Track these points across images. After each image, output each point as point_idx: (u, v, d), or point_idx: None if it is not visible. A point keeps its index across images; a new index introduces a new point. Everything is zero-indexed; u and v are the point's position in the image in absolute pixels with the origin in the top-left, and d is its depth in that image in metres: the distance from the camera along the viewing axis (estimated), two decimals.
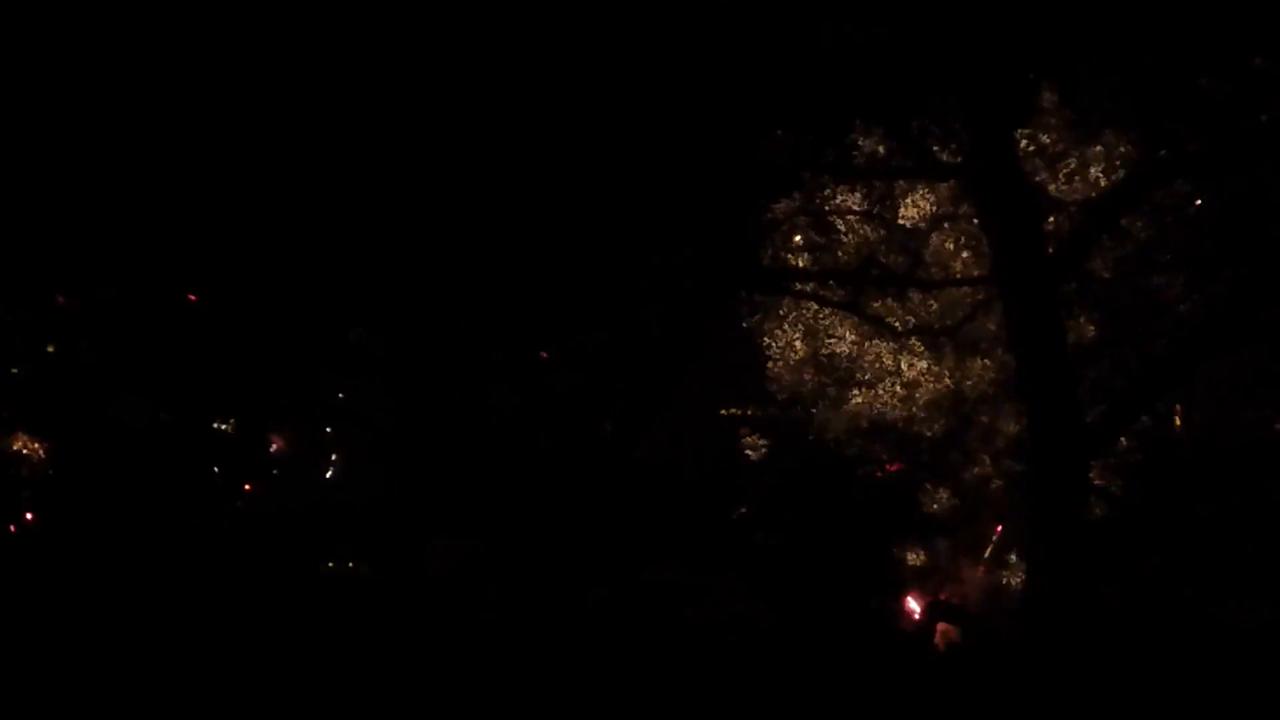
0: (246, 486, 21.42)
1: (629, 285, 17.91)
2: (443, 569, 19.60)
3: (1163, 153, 16.84)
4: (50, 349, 19.12)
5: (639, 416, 18.17)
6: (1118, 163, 17.85)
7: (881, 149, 17.77)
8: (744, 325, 20.13)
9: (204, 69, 17.33)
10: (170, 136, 17.69)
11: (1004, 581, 19.43)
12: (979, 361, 19.49)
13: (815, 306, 19.40)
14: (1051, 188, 17.80)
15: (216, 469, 20.93)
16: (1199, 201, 17.71)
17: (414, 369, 18.87)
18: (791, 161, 17.26)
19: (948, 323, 18.78)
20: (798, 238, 18.69)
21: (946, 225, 18.60)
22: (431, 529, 19.94)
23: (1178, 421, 19.29)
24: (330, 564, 20.86)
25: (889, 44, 16.22)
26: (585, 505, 18.60)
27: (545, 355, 18.99)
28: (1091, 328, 18.72)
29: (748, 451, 20.66)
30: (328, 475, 21.30)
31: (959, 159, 17.29)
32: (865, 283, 18.72)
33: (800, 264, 18.95)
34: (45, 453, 19.25)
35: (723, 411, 21.03)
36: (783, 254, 18.81)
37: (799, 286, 19.63)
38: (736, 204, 17.41)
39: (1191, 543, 17.95)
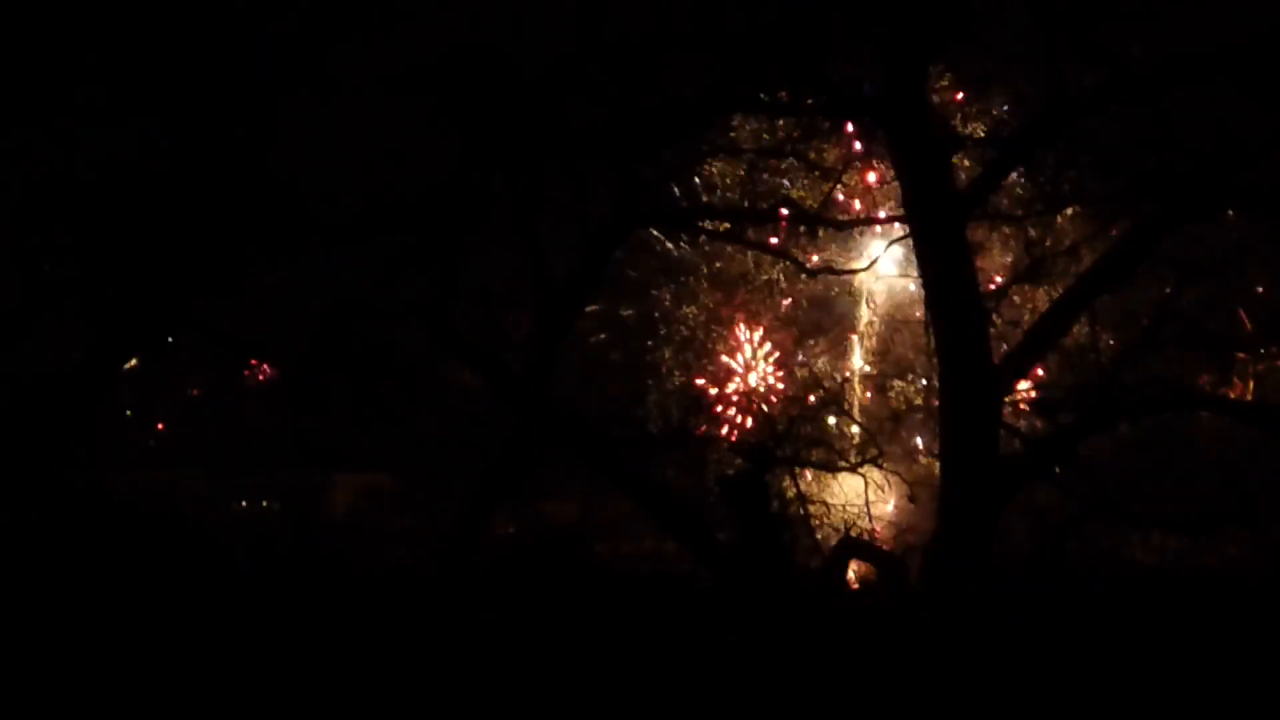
0: (159, 426, 20.93)
1: (532, 218, 17.32)
2: (348, 505, 19.24)
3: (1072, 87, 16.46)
4: None
5: (546, 352, 17.74)
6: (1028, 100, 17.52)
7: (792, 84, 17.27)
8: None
9: None
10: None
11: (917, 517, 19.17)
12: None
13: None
14: (961, 125, 17.47)
15: (129, 411, 20.45)
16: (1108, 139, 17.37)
17: (317, 304, 18.23)
18: (699, 96, 16.75)
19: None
20: (710, 175, 18.27)
21: (859, 164, 18.26)
22: (337, 466, 19.49)
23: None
24: (243, 503, 20.49)
25: None
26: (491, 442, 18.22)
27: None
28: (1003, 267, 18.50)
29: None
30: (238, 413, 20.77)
31: (871, 95, 16.88)
32: (778, 221, 18.34)
33: (712, 202, 18.53)
34: None
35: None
36: (695, 192, 18.38)
37: (710, 225, 19.24)
38: (645, 139, 16.88)
39: (1096, 478, 17.76)
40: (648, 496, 17.40)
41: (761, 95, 17.32)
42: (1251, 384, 19.96)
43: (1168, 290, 17.63)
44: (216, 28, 16.68)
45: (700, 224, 18.66)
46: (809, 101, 16.98)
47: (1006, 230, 18.15)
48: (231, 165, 17.11)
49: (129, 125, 17.22)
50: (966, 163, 17.23)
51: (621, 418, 20.08)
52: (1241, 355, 19.43)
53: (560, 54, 16.66)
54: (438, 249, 17.51)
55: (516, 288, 18.49)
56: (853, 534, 17.93)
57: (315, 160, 17.71)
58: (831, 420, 19.31)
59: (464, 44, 16.79)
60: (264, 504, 20.44)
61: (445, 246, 17.49)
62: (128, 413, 20.33)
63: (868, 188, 18.30)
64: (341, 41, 16.97)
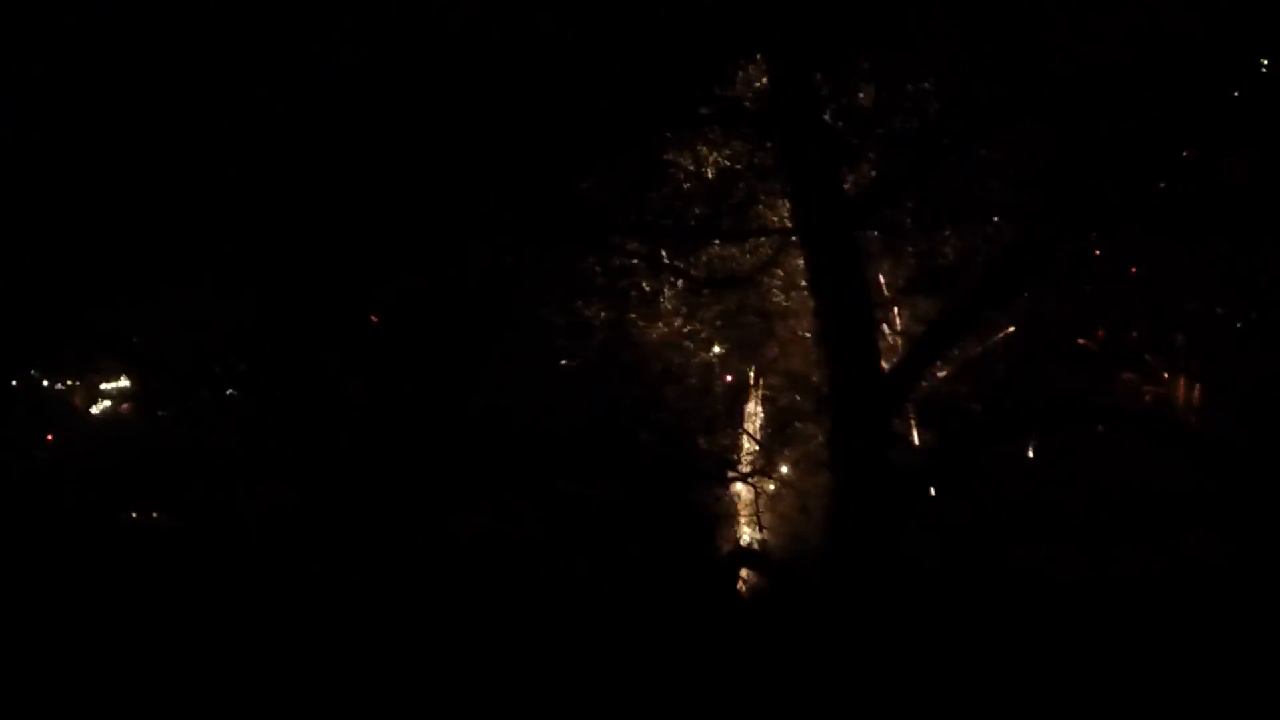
0: (49, 437, 20.50)
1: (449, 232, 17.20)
2: (253, 518, 18.92)
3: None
4: None
5: (460, 364, 17.70)
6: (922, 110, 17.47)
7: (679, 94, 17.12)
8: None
9: None
10: None
11: (808, 527, 19.11)
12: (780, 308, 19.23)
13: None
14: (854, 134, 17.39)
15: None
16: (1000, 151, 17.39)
17: (224, 312, 17.96)
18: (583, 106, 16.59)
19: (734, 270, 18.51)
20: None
21: (748, 178, 18.15)
22: (241, 477, 19.19)
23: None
24: (133, 515, 20.02)
25: None
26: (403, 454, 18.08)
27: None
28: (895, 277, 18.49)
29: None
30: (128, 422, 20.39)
31: (760, 104, 16.81)
32: (663, 233, 18.23)
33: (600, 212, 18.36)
34: None
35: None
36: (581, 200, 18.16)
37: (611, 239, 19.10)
38: (557, 155, 16.74)
39: (997, 492, 17.81)
40: (560, 510, 17.40)
41: (647, 105, 17.17)
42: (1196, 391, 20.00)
43: (1061, 301, 17.73)
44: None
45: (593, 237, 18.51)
46: (697, 111, 16.89)
47: (898, 240, 18.13)
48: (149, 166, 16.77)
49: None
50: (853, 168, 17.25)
51: (532, 430, 19.89)
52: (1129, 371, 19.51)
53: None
54: (355, 261, 17.36)
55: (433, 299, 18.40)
56: (744, 544, 17.97)
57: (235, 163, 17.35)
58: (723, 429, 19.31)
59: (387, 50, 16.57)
60: (154, 515, 20.05)
61: (362, 259, 17.34)
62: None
63: (759, 196, 18.24)
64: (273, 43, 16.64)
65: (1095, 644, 16.24)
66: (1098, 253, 17.78)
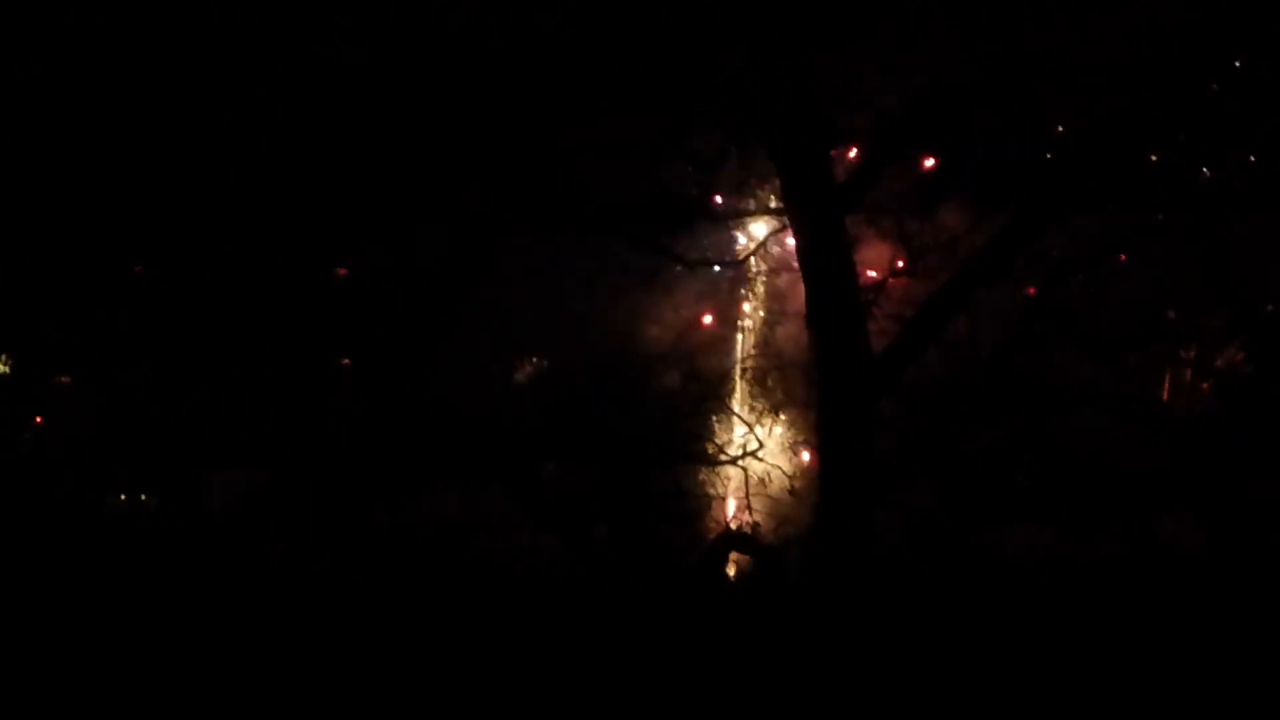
0: (38, 419, 20.50)
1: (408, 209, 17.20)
2: (227, 503, 19.02)
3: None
4: None
5: (423, 346, 17.74)
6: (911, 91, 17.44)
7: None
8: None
9: None
10: None
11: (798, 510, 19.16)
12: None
13: None
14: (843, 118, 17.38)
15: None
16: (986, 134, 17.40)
17: (193, 297, 17.97)
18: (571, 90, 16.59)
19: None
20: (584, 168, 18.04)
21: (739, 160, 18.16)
22: (215, 463, 19.26)
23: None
24: (122, 496, 20.10)
25: None
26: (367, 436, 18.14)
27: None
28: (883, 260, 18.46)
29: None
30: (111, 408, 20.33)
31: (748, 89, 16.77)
32: (655, 215, 18.27)
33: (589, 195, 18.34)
34: None
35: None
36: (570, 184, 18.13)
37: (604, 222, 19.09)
38: (522, 130, 16.73)
39: (967, 471, 17.91)
40: (525, 491, 17.44)
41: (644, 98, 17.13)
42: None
43: (1043, 285, 17.77)
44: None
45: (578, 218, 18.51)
46: (684, 95, 16.86)
47: (886, 223, 18.10)
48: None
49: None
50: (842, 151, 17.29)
51: (517, 413, 19.93)
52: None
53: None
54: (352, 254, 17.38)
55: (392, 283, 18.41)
56: (734, 526, 18.06)
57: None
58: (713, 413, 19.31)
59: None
60: (141, 498, 20.16)
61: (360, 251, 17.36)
62: None
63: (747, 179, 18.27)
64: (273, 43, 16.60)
65: (1068, 626, 16.42)
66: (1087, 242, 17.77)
